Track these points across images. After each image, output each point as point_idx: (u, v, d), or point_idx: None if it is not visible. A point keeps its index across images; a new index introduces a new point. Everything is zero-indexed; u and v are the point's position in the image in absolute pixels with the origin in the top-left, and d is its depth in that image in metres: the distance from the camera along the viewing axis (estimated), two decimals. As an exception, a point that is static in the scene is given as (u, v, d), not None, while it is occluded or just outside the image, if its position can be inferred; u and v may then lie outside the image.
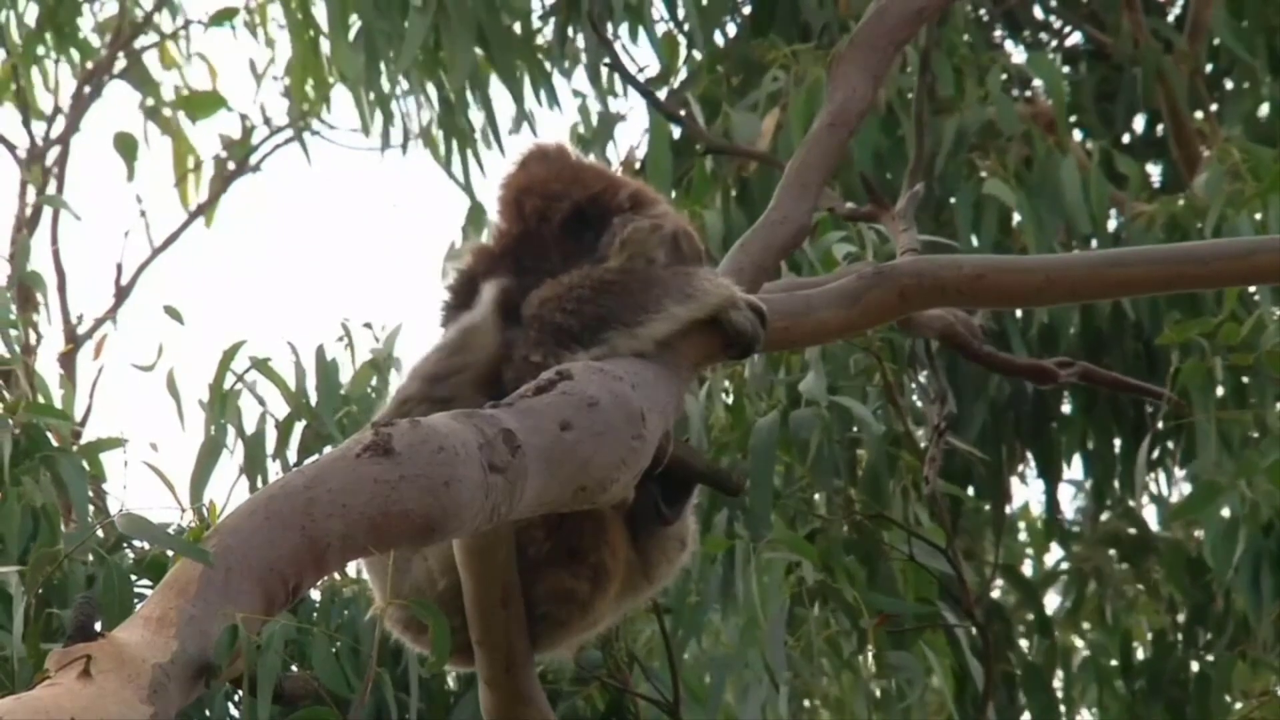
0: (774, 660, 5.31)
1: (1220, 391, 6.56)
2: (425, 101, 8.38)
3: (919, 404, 6.10)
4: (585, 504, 3.42)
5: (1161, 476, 7.41)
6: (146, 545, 4.63)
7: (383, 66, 8.25)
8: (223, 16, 10.41)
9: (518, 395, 3.39)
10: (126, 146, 10.11)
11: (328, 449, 5.46)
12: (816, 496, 5.99)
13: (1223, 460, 6.28)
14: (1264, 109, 8.50)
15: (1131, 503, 8.26)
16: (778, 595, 5.46)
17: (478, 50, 8.15)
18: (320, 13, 8.88)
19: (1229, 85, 8.67)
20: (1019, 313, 7.60)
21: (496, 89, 8.32)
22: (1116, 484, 8.13)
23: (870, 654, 5.61)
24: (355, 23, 8.32)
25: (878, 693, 5.72)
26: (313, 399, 5.66)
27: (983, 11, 8.56)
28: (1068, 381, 4.57)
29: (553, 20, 8.33)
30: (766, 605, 5.38)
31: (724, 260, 3.84)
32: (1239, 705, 4.80)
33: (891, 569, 5.81)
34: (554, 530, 3.66)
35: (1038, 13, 8.76)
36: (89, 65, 10.34)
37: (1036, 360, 5.02)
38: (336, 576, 4.89)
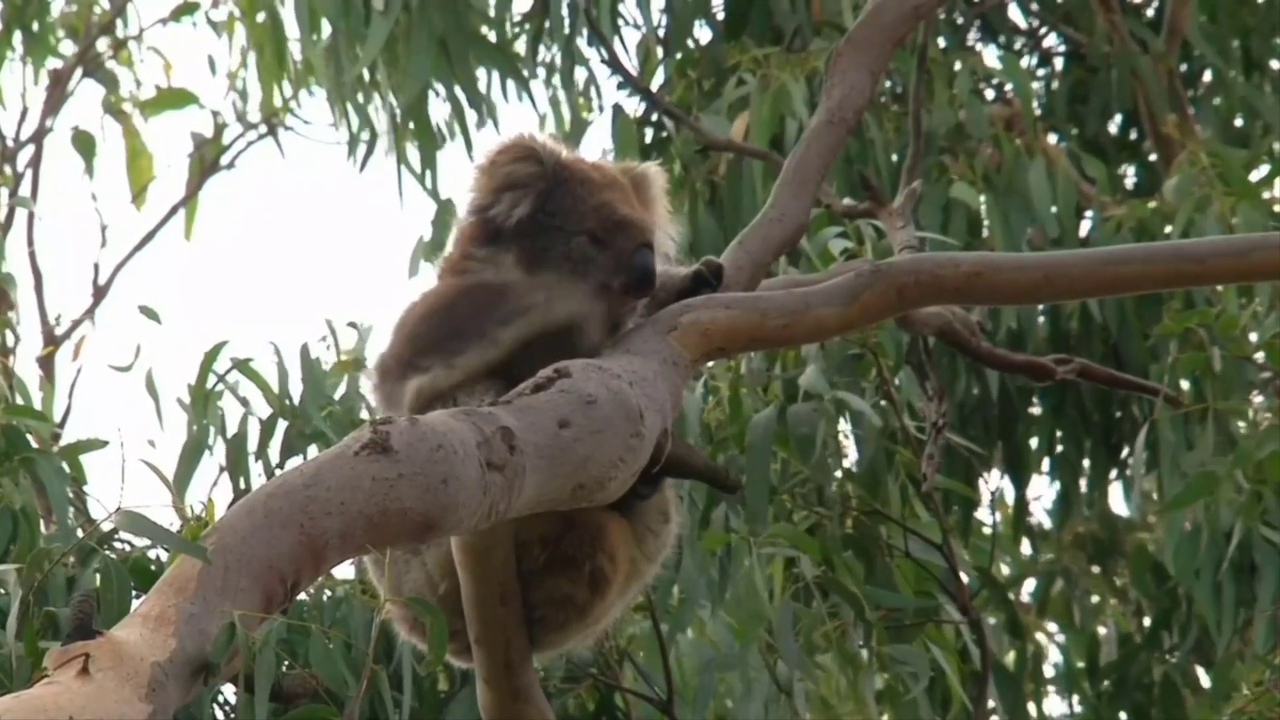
0: (786, 654, 5.31)
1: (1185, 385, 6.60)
2: (388, 105, 8.36)
3: (916, 402, 6.11)
4: (583, 501, 3.41)
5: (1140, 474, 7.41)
6: (128, 546, 4.61)
7: (347, 68, 8.23)
8: (183, 11, 10.38)
9: (516, 393, 3.38)
10: (85, 144, 10.08)
11: (312, 448, 5.46)
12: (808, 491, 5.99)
13: (1213, 455, 6.30)
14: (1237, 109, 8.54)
15: (1123, 495, 8.28)
16: (781, 589, 5.47)
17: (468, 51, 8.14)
18: (288, 15, 8.85)
19: (1205, 85, 8.72)
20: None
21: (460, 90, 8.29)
22: (1084, 486, 8.16)
23: (872, 648, 5.62)
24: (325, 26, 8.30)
25: (880, 686, 5.73)
26: (295, 399, 5.64)
27: (957, 15, 8.58)
28: (1065, 378, 4.58)
29: (525, 29, 8.31)
30: (770, 598, 5.38)
31: (721, 258, 3.82)
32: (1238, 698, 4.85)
33: (889, 564, 5.82)
34: (549, 545, 3.65)
35: (1013, 14, 8.79)
36: (58, 65, 10.30)
37: (1033, 357, 5.03)
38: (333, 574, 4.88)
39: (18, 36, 9.69)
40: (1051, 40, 8.79)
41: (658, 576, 4.04)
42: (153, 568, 4.56)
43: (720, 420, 5.77)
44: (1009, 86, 8.28)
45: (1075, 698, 8.24)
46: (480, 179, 3.75)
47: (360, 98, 8.31)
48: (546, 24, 8.17)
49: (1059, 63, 8.72)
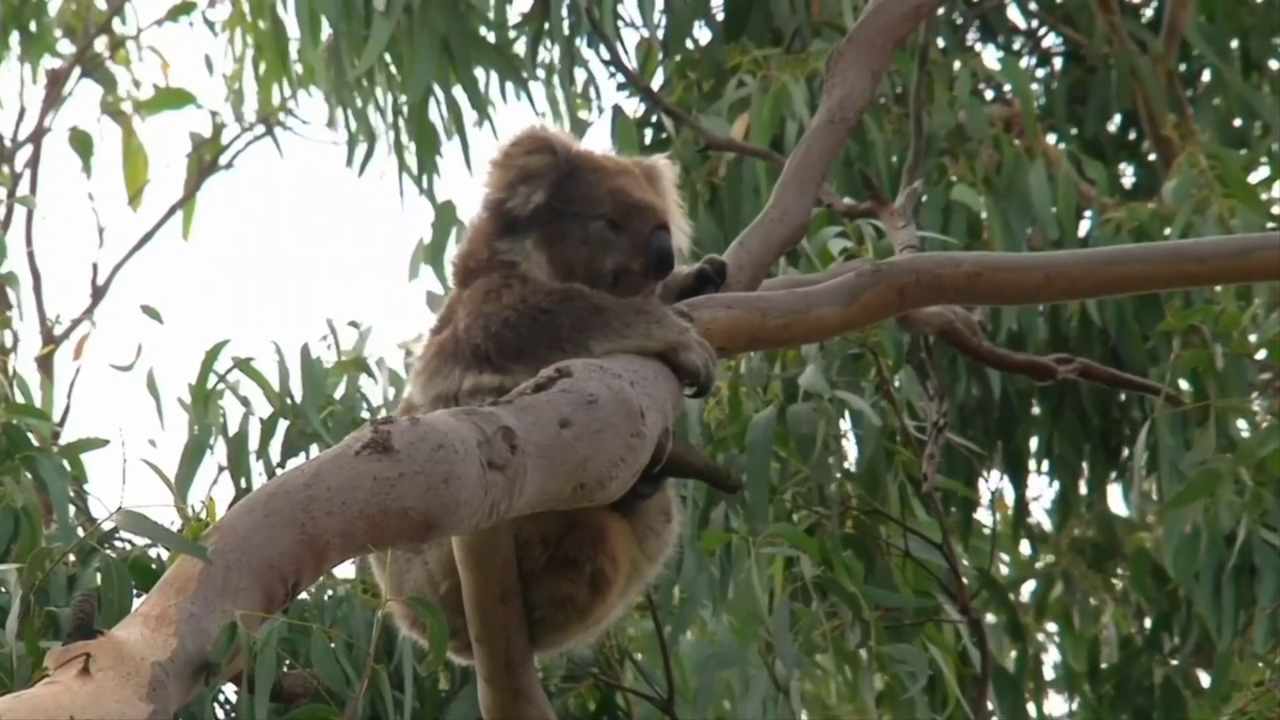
0: (783, 654, 5.32)
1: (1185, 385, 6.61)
2: (387, 107, 8.36)
3: (916, 402, 6.11)
4: (584, 501, 3.41)
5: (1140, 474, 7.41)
6: (129, 546, 4.60)
7: (348, 70, 8.23)
8: (180, 10, 10.39)
9: (517, 392, 3.38)
10: (82, 144, 10.09)
11: (313, 448, 5.47)
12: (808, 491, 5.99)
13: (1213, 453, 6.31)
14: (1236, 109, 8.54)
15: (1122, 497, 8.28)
16: (780, 589, 5.47)
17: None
18: (290, 19, 8.84)
19: (1204, 85, 8.72)
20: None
21: (461, 93, 8.29)
22: (1083, 488, 8.16)
23: (870, 648, 5.61)
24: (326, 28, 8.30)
25: (879, 685, 5.73)
26: (296, 398, 5.64)
27: (956, 15, 8.58)
28: (1066, 377, 4.58)
29: (525, 31, 8.31)
30: (770, 599, 5.38)
31: (722, 258, 3.83)
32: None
33: (889, 564, 5.83)
34: (551, 545, 3.65)
35: (1013, 15, 8.79)
36: (56, 65, 10.31)
37: (1035, 357, 5.04)
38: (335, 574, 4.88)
39: (15, 36, 9.69)
40: (1051, 41, 8.79)
41: (659, 575, 4.04)
42: (153, 567, 4.56)
43: (720, 420, 5.78)
44: (1008, 87, 8.28)
45: (1076, 701, 8.24)
46: (495, 173, 3.79)
47: (359, 100, 8.31)
48: (546, 25, 8.18)
49: (1058, 63, 8.72)
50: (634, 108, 8.26)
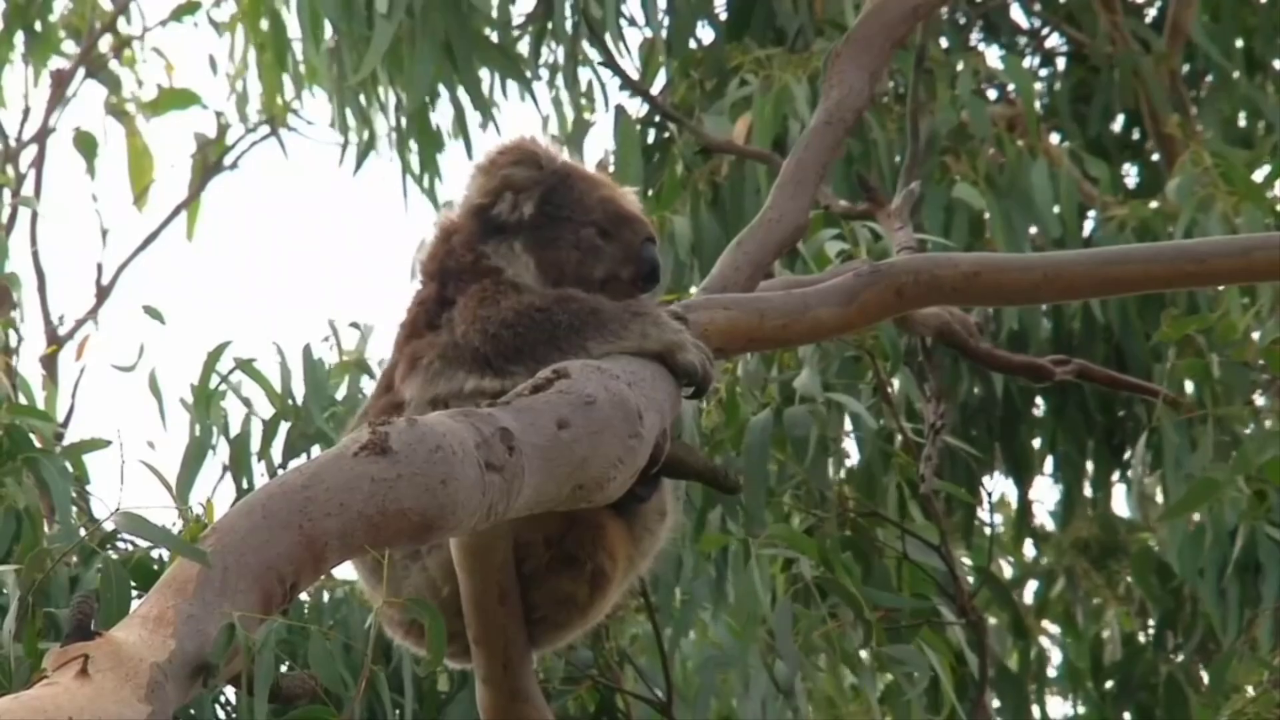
0: (785, 655, 5.31)
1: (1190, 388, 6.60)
2: (390, 108, 8.36)
3: (915, 404, 6.10)
4: (582, 502, 3.41)
5: (1141, 475, 7.41)
6: (131, 546, 4.61)
7: (350, 71, 8.23)
8: (184, 11, 10.40)
9: (515, 393, 3.38)
10: (87, 145, 10.09)
11: (315, 449, 5.47)
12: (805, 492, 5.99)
13: (1211, 460, 6.30)
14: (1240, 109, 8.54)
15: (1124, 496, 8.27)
16: (780, 590, 5.47)
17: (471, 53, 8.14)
18: (291, 19, 8.84)
19: (1207, 86, 8.71)
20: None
21: (463, 93, 8.29)
22: (1088, 488, 8.15)
23: (871, 648, 5.61)
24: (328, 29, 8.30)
25: (880, 687, 5.72)
26: (298, 399, 5.65)
27: (960, 15, 8.58)
28: (1064, 379, 4.58)
29: (528, 31, 8.31)
30: (772, 599, 5.38)
31: (720, 259, 3.85)
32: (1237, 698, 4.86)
33: (886, 566, 5.82)
34: (553, 544, 3.66)
35: (1016, 14, 8.79)
36: (61, 66, 10.32)
37: (1032, 358, 5.03)
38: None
39: (20, 36, 9.70)
40: (1054, 40, 8.79)
41: (659, 577, 4.05)
42: (154, 568, 4.56)
43: (716, 423, 5.77)
44: (1011, 87, 8.27)
45: (1078, 698, 8.23)
46: (479, 179, 3.82)
47: (363, 100, 8.31)
48: (549, 25, 8.18)
49: (1061, 63, 8.72)
50: (637, 108, 8.26)
